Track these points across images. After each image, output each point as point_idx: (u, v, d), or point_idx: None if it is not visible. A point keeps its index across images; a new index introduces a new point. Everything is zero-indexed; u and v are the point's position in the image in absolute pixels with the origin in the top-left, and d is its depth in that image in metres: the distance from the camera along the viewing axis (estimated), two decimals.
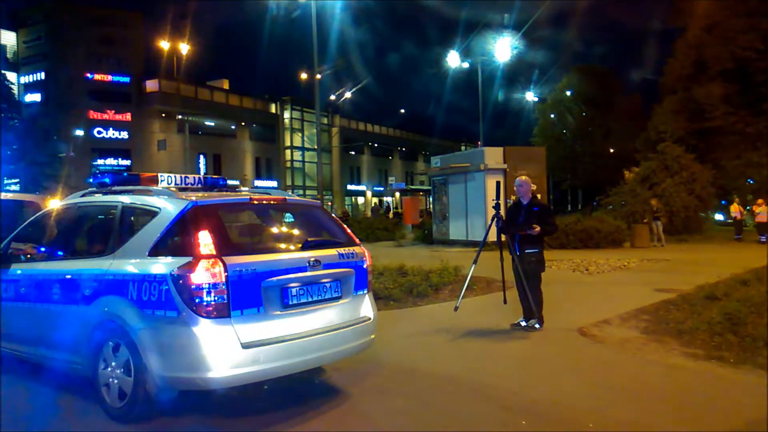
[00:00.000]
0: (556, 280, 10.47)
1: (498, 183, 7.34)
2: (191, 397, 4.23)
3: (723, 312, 6.47)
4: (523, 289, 6.85)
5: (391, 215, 40.94)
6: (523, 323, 6.94)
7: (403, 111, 70.51)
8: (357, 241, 4.95)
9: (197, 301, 3.78)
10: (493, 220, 7.10)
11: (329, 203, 52.29)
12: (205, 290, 3.78)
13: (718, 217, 27.28)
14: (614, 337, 6.50)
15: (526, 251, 6.80)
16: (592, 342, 6.35)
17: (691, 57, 29.38)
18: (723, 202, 28.56)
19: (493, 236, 7.50)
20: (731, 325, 6.13)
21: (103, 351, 4.22)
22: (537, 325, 6.83)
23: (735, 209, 21.30)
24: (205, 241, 3.91)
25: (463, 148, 59.49)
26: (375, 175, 68.18)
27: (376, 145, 69.00)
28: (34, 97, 43.51)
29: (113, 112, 44.52)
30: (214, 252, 3.87)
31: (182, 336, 3.78)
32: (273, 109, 56.82)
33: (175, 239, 4.09)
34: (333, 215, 5.63)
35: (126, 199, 4.63)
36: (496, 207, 6.97)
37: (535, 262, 6.81)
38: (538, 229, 6.66)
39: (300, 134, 57.05)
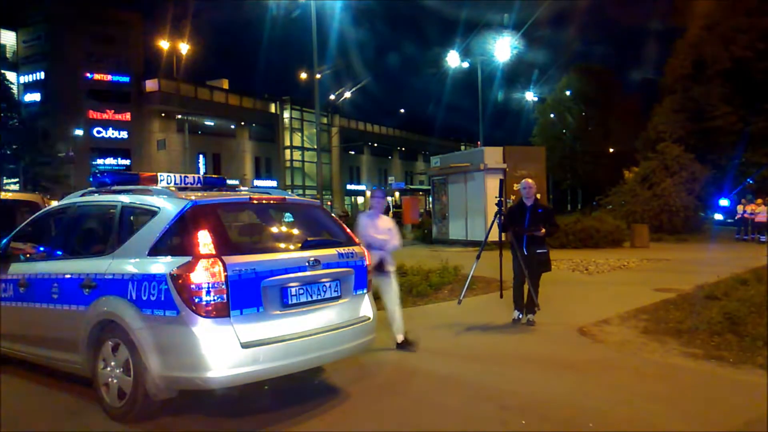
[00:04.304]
0: (555, 279, 10.46)
1: (501, 181, 7.66)
2: (191, 397, 4.22)
3: (723, 312, 6.47)
4: (520, 287, 7.09)
5: (390, 215, 40.88)
6: (521, 316, 7.17)
7: (402, 111, 70.60)
8: (357, 240, 4.96)
9: (197, 300, 3.77)
10: (495, 216, 7.23)
11: (329, 203, 52.27)
12: (204, 290, 3.78)
13: (718, 217, 27.24)
14: (614, 337, 6.50)
15: (537, 251, 7.00)
16: (592, 342, 6.34)
17: (690, 57, 29.40)
18: (722, 199, 28.51)
19: (495, 235, 7.61)
20: (731, 324, 6.13)
21: (103, 350, 4.21)
22: (530, 316, 7.06)
23: (741, 208, 21.24)
24: (204, 240, 3.91)
25: (462, 148, 59.48)
26: (375, 174, 68.16)
27: (375, 144, 68.99)
28: (34, 97, 43.51)
29: (113, 111, 44.50)
30: (213, 252, 3.87)
31: (182, 335, 3.78)
32: (273, 108, 56.81)
33: (175, 239, 4.09)
34: (332, 215, 5.64)
35: (125, 198, 4.63)
36: (499, 204, 7.19)
37: (545, 262, 7.05)
38: (544, 230, 6.93)
39: (300, 134, 57.04)
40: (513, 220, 7.10)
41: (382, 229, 6.01)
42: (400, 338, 6.02)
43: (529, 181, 7.24)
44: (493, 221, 7.30)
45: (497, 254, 7.48)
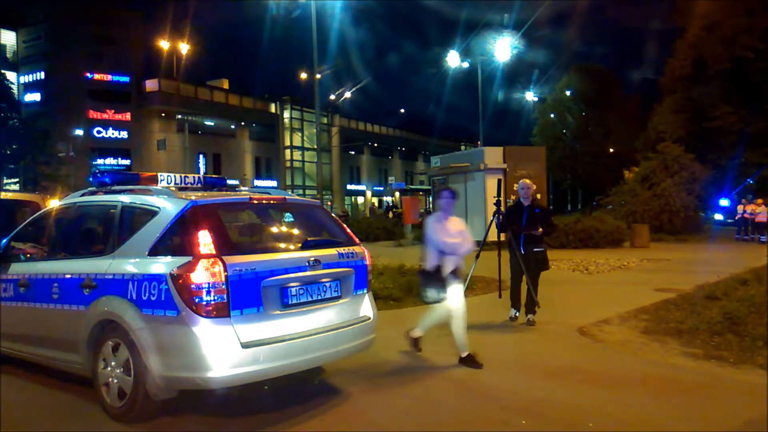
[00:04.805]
0: (556, 279, 10.47)
1: (499, 181, 7.69)
2: (191, 397, 4.22)
3: (723, 312, 6.47)
4: (518, 286, 7.21)
5: (391, 215, 40.86)
6: (517, 314, 7.29)
7: (403, 111, 70.57)
8: (357, 240, 4.95)
9: (197, 300, 3.78)
10: (494, 216, 7.32)
11: (329, 203, 52.26)
12: (204, 290, 3.78)
13: (718, 217, 27.24)
14: (614, 337, 6.50)
15: (534, 250, 7.07)
16: (592, 342, 6.35)
17: (691, 57, 29.43)
18: (723, 200, 28.49)
19: (493, 235, 7.68)
20: (731, 325, 6.14)
21: (103, 350, 4.21)
22: (531, 316, 7.09)
23: (741, 208, 21.23)
24: (204, 240, 3.91)
25: (463, 148, 59.50)
26: (375, 174, 68.18)
27: (376, 144, 69.00)
28: (34, 97, 43.56)
29: (113, 111, 44.53)
30: (213, 251, 3.87)
31: (182, 335, 3.78)
32: (273, 108, 56.81)
33: (175, 239, 4.09)
34: (333, 215, 5.63)
35: (125, 198, 4.63)
36: (497, 204, 7.26)
37: (542, 261, 7.11)
38: (541, 230, 7.02)
39: (300, 134, 57.05)
40: (511, 219, 7.19)
41: (454, 231, 5.51)
42: (465, 353, 5.48)
43: (527, 181, 7.33)
44: (492, 221, 7.41)
45: (497, 254, 7.51)
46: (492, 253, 7.77)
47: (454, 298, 5.49)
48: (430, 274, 5.39)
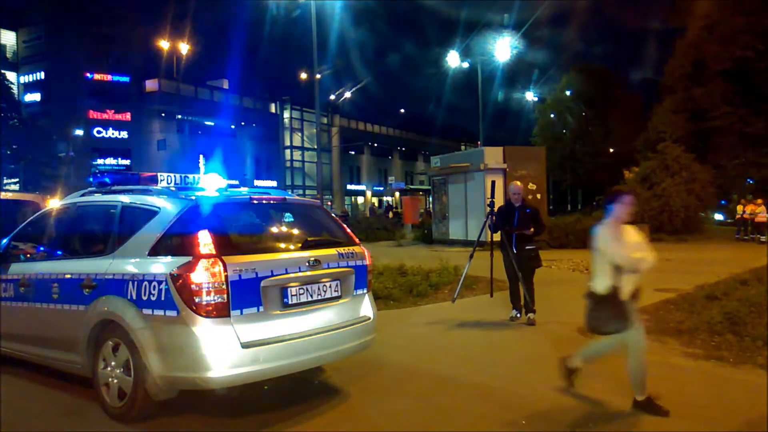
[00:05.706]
0: (556, 279, 10.48)
1: (493, 182, 7.94)
2: (191, 397, 4.22)
3: (723, 312, 6.48)
4: (516, 286, 7.29)
5: (391, 215, 40.85)
6: (518, 315, 7.33)
7: (403, 111, 70.52)
8: (357, 240, 4.96)
9: (197, 300, 3.78)
10: (487, 217, 7.50)
11: (329, 203, 52.26)
12: (204, 290, 3.78)
13: (718, 217, 27.26)
14: None
15: (526, 248, 7.17)
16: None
17: (691, 57, 29.45)
18: (723, 201, 28.53)
19: (496, 235, 7.82)
20: (731, 325, 6.14)
21: (103, 350, 4.22)
22: (531, 315, 7.16)
23: (740, 208, 21.23)
24: (204, 240, 3.91)
25: (463, 148, 59.45)
26: (375, 175, 68.17)
27: (375, 145, 68.98)
28: (34, 97, 43.53)
29: (113, 111, 44.52)
30: (213, 252, 3.87)
31: (182, 336, 3.78)
32: (273, 109, 56.82)
33: (175, 239, 4.08)
34: (333, 215, 5.63)
35: (125, 198, 4.64)
36: (491, 205, 7.46)
37: (534, 258, 7.21)
38: (533, 229, 7.17)
39: (300, 134, 57.05)
40: (503, 220, 7.32)
41: (632, 243, 4.39)
42: (642, 396, 4.26)
43: (518, 183, 7.47)
44: (485, 222, 7.58)
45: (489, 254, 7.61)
46: (486, 253, 7.84)
47: (633, 327, 4.25)
48: (607, 298, 4.17)
